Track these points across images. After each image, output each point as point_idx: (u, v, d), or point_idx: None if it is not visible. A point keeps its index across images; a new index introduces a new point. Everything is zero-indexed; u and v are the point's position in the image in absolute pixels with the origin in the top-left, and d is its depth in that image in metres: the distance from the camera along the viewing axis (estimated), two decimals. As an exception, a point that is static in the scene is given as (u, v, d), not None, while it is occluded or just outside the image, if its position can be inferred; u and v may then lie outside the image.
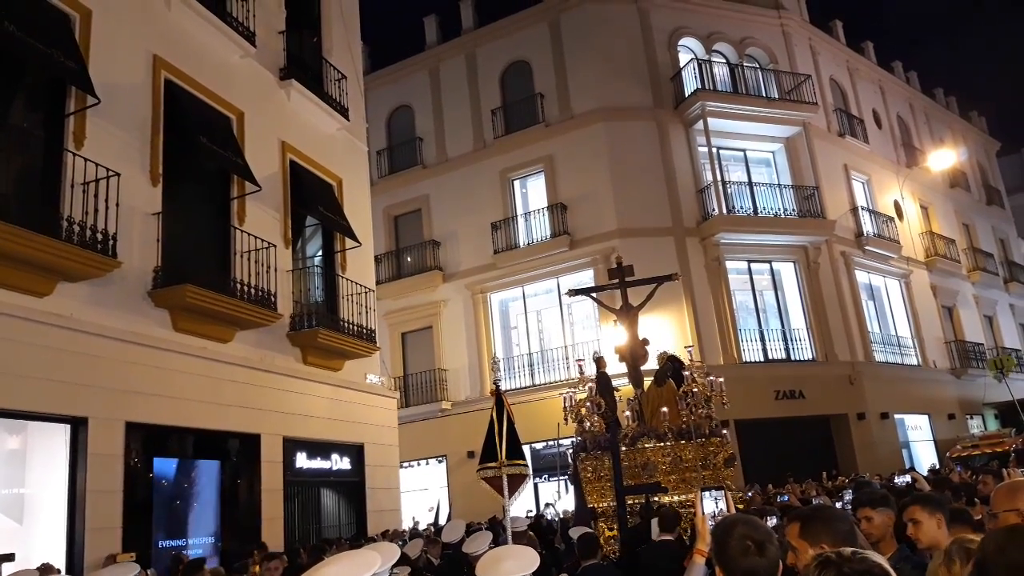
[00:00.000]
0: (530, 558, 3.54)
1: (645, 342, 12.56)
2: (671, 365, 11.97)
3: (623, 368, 13.45)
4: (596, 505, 10.66)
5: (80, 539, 8.63)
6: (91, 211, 9.02)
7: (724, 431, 11.44)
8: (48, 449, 9.06)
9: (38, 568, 7.40)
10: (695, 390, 11.15)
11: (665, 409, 11.08)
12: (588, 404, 11.51)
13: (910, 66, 32.14)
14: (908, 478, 11.34)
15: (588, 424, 11.38)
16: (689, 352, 12.24)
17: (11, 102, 9.15)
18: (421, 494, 20.05)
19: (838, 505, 8.44)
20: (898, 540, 3.87)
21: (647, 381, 12.45)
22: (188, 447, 11.08)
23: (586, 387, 11.81)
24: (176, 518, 10.70)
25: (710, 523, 2.92)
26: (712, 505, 2.91)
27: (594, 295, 14.49)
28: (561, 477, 19.05)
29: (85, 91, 9.16)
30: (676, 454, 10.85)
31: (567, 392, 12.00)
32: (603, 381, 12.07)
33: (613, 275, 13.20)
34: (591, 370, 12.31)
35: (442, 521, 14.87)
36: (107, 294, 9.36)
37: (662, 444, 10.94)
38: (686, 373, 11.44)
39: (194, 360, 10.57)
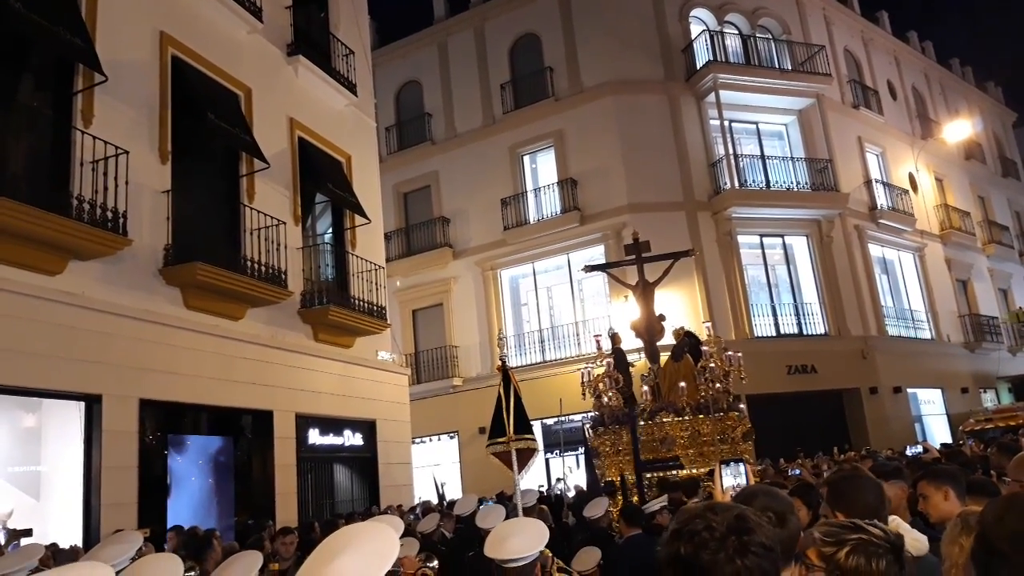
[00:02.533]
0: (538, 533, 3.45)
1: (661, 318, 12.61)
2: (688, 341, 12.01)
3: (636, 344, 13.47)
4: (614, 479, 10.74)
5: (96, 515, 8.72)
6: (101, 189, 9.01)
7: (741, 405, 11.49)
8: (63, 426, 9.14)
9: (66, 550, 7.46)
10: (712, 365, 11.20)
11: (683, 384, 11.14)
12: (606, 379, 11.56)
13: (926, 36, 31.73)
14: (919, 448, 11.33)
15: (605, 399, 11.43)
16: (707, 328, 12.28)
17: (19, 81, 9.12)
18: (433, 469, 20.15)
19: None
20: (915, 514, 3.84)
21: (663, 356, 12.49)
22: (202, 424, 11.16)
23: (604, 362, 11.84)
24: (190, 494, 10.79)
25: (731, 495, 2.88)
26: (731, 478, 2.87)
27: (609, 271, 14.49)
28: (567, 453, 19.15)
29: (92, 69, 9.12)
30: (694, 428, 10.94)
31: (585, 367, 12.04)
32: (619, 357, 12.12)
33: (629, 251, 13.18)
34: (607, 346, 12.35)
35: (443, 495, 14.96)
36: (118, 272, 9.38)
37: (680, 419, 11.01)
38: (705, 348, 11.50)
39: (206, 337, 10.60)
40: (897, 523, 2.86)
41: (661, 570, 1.57)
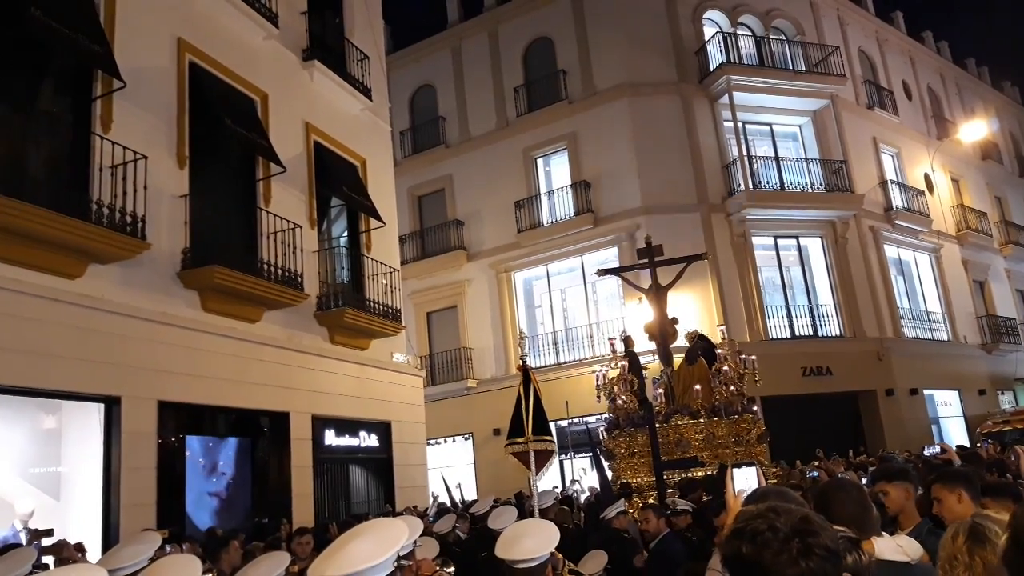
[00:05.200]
0: (550, 535, 3.48)
1: (675, 321, 12.65)
2: (701, 344, 12.04)
3: (648, 347, 13.50)
4: (630, 480, 10.79)
5: (115, 516, 8.82)
6: (120, 194, 9.12)
7: (755, 408, 11.52)
8: (83, 428, 9.25)
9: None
10: (725, 368, 11.24)
11: (698, 387, 11.18)
12: (621, 382, 11.61)
13: (941, 36, 31.46)
14: (937, 449, 11.29)
15: (620, 401, 11.48)
16: (722, 331, 12.30)
17: (39, 87, 9.25)
18: (443, 471, 20.20)
19: (863, 480, 8.38)
20: (927, 515, 3.83)
21: (676, 359, 12.52)
22: (219, 425, 11.27)
23: (618, 365, 11.89)
24: (209, 495, 10.89)
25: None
26: (743, 481, 2.89)
27: (623, 274, 14.52)
28: (580, 455, 19.13)
29: (111, 75, 9.22)
30: (709, 431, 10.98)
31: (599, 370, 12.08)
32: (632, 360, 12.16)
33: (642, 255, 13.20)
34: (620, 349, 12.40)
35: (457, 497, 15.01)
36: (137, 275, 9.49)
37: (695, 421, 11.05)
38: (720, 352, 11.53)
39: (223, 340, 10.70)
40: (877, 541, 2.83)
41: (728, 567, 1.56)
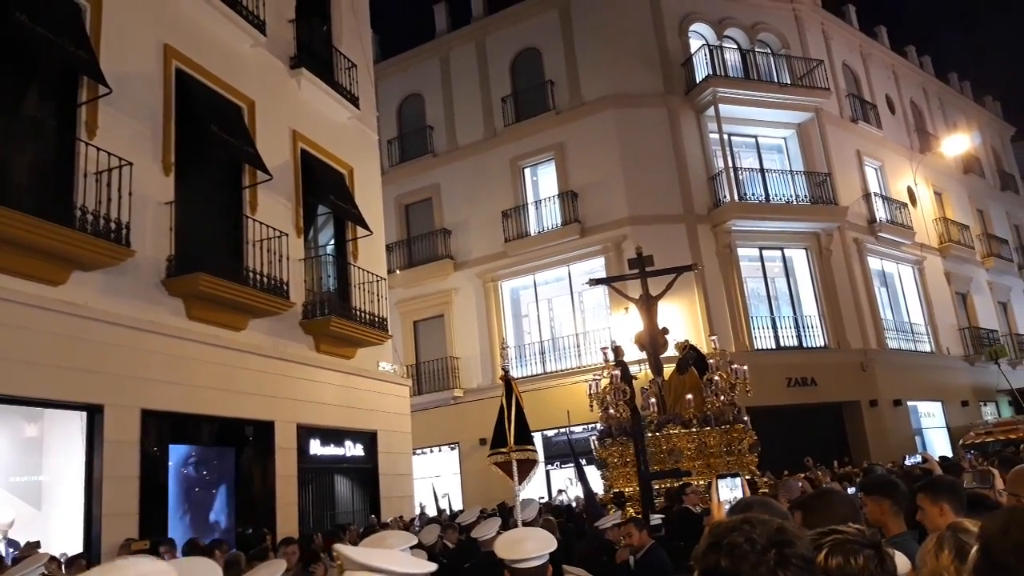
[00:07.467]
0: (548, 538, 3.58)
1: (665, 331, 12.73)
2: (692, 354, 12.11)
3: (636, 356, 13.54)
4: (623, 489, 10.82)
5: (97, 525, 8.73)
6: (104, 200, 9.06)
7: (745, 418, 11.58)
8: (65, 436, 9.16)
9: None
10: (716, 378, 11.31)
11: (690, 396, 11.24)
12: (613, 391, 11.65)
13: (924, 51, 31.84)
14: (918, 458, 11.36)
15: (612, 410, 11.52)
16: (713, 341, 12.37)
17: (24, 92, 9.19)
18: (433, 480, 20.12)
19: (850, 491, 8.43)
20: (913, 526, 3.84)
21: (667, 369, 12.59)
22: (203, 434, 11.17)
23: (609, 375, 11.93)
24: (192, 504, 10.80)
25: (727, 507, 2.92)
26: (728, 492, 2.91)
27: (613, 284, 14.61)
28: (566, 465, 19.13)
29: (97, 81, 9.18)
30: (701, 440, 11.03)
31: (592, 379, 12.12)
32: (622, 370, 12.22)
33: (633, 265, 13.30)
34: (612, 358, 12.46)
35: (444, 506, 14.97)
36: (121, 283, 9.42)
37: (687, 430, 11.11)
38: (711, 362, 11.61)
39: (208, 348, 10.63)
40: None
41: None
